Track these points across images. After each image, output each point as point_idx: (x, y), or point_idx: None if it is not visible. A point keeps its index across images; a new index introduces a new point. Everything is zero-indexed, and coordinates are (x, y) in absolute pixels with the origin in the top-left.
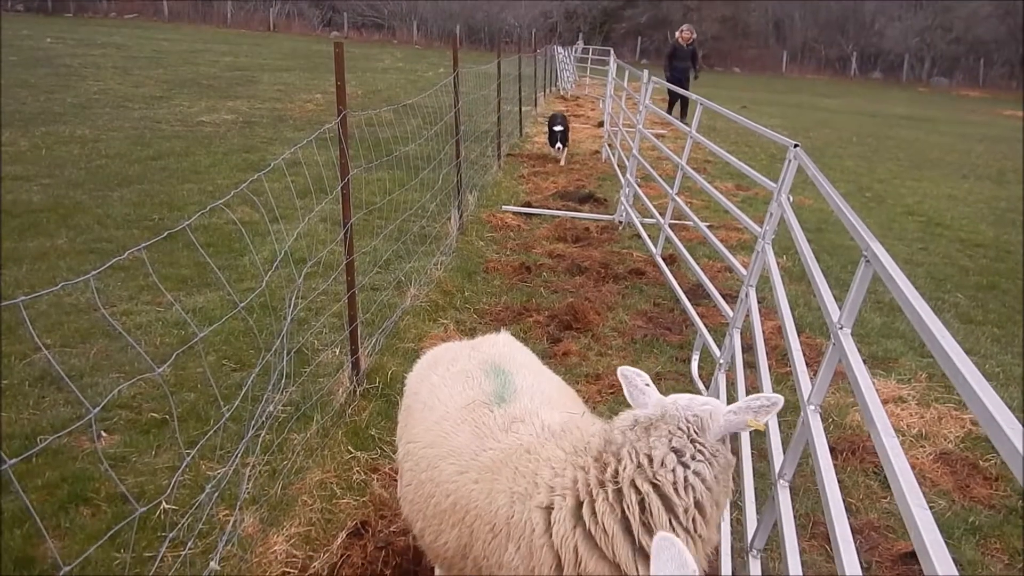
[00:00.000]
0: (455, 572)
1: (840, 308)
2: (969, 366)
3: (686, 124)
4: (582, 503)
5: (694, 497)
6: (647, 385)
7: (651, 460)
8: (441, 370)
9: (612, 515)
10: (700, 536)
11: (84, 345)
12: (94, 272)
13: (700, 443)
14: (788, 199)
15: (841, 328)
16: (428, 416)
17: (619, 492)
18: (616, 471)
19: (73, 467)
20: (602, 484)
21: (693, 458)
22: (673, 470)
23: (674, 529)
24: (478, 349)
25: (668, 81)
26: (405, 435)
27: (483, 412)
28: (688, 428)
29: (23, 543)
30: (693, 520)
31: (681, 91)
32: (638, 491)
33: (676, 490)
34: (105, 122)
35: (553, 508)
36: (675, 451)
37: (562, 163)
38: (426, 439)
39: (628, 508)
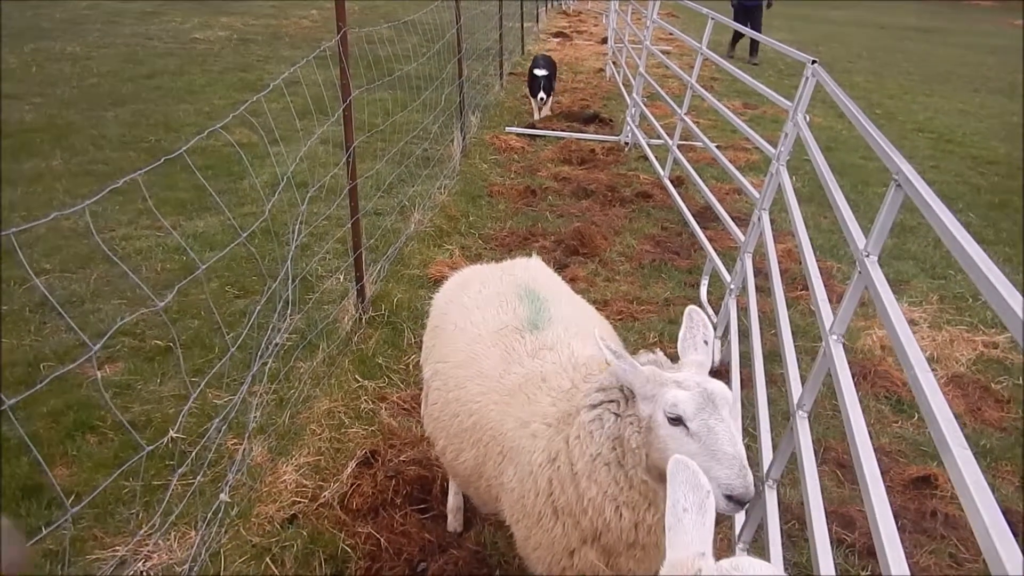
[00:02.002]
0: (470, 490)
1: (866, 234)
2: (1012, 291)
3: (754, 64)
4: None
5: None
6: (704, 343)
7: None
8: (473, 292)
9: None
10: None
11: (84, 271)
12: (90, 200)
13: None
14: (805, 119)
15: (868, 256)
16: (460, 337)
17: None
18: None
19: (78, 394)
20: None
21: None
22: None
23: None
24: (510, 272)
25: (736, 8)
26: (433, 355)
27: (515, 337)
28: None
29: (30, 470)
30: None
31: (747, 32)
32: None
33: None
34: (96, 38)
35: (538, 436)
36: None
37: (539, 116)
38: (456, 359)
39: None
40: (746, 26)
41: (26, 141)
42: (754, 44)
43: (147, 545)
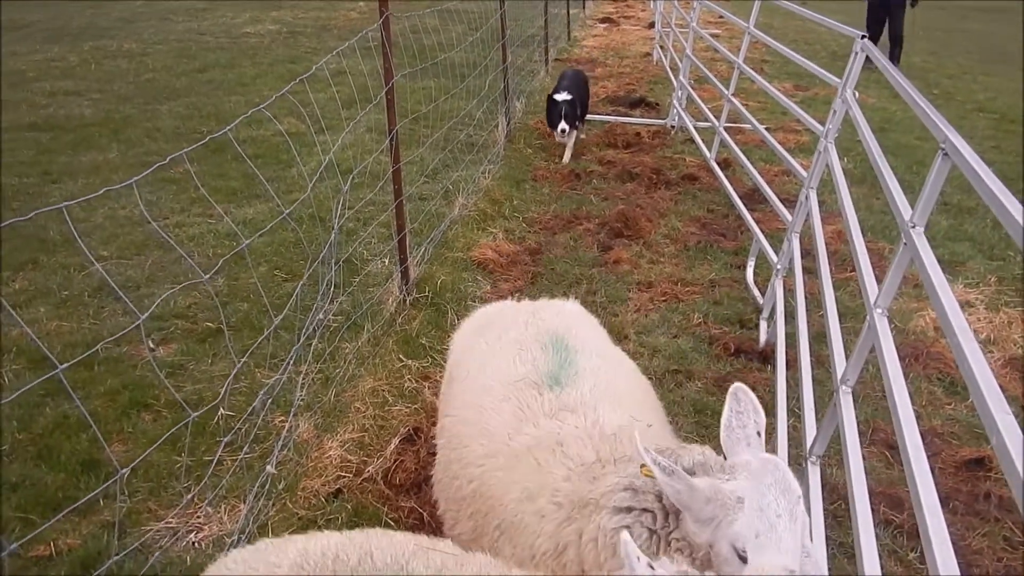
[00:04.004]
0: None
1: (912, 206)
2: None
3: (897, 69)
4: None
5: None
6: (757, 434)
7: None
8: (492, 337)
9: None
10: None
11: (139, 257)
12: (136, 177)
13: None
14: (854, 95)
15: (913, 227)
16: (470, 389)
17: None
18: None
19: (133, 375)
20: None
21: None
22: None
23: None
24: (539, 316)
25: (872, 4)
26: (444, 407)
27: (531, 392)
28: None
29: (89, 446)
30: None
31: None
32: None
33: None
34: (150, 35)
35: (546, 517)
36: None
37: (566, 158)
38: (463, 414)
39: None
40: (883, 26)
41: (85, 135)
42: (895, 48)
43: (198, 517)
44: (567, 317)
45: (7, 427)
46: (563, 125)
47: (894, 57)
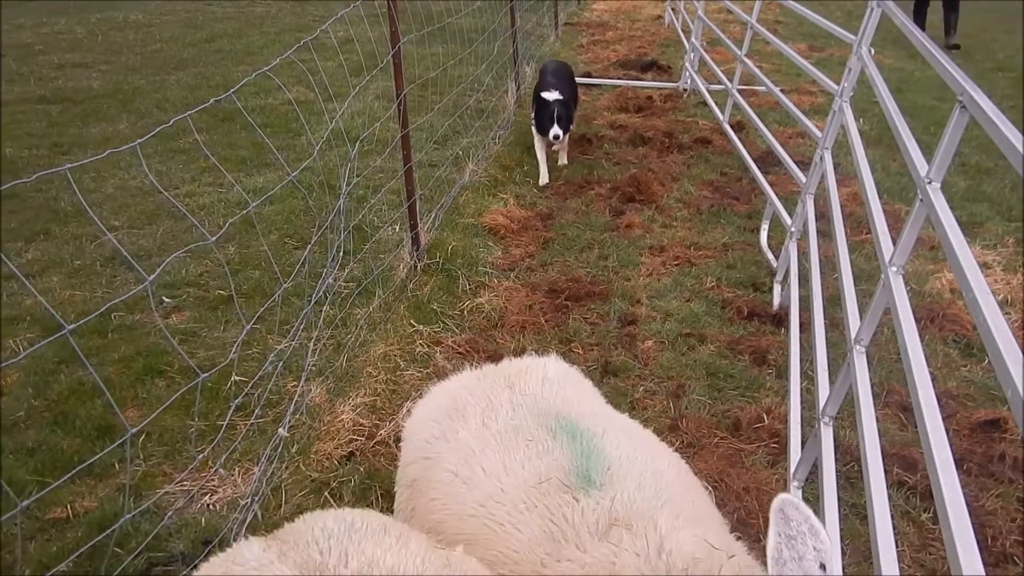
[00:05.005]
0: None
1: (928, 161)
2: None
3: (953, 47)
4: None
5: None
6: (821, 568)
7: None
8: (474, 424)
9: None
10: None
11: (151, 227)
12: (140, 140)
13: None
14: (869, 52)
15: (930, 183)
16: (468, 496)
17: None
18: None
19: (146, 342)
20: None
21: None
22: None
23: None
24: (521, 390)
25: None
26: (418, 519)
27: (562, 499)
28: None
29: (104, 412)
30: None
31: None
32: None
33: None
34: (157, 6)
35: None
36: None
37: (544, 178)
38: (465, 528)
39: None
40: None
41: (94, 107)
42: (950, 18)
43: (212, 480)
44: (557, 386)
45: (23, 394)
46: (556, 130)
47: (950, 29)
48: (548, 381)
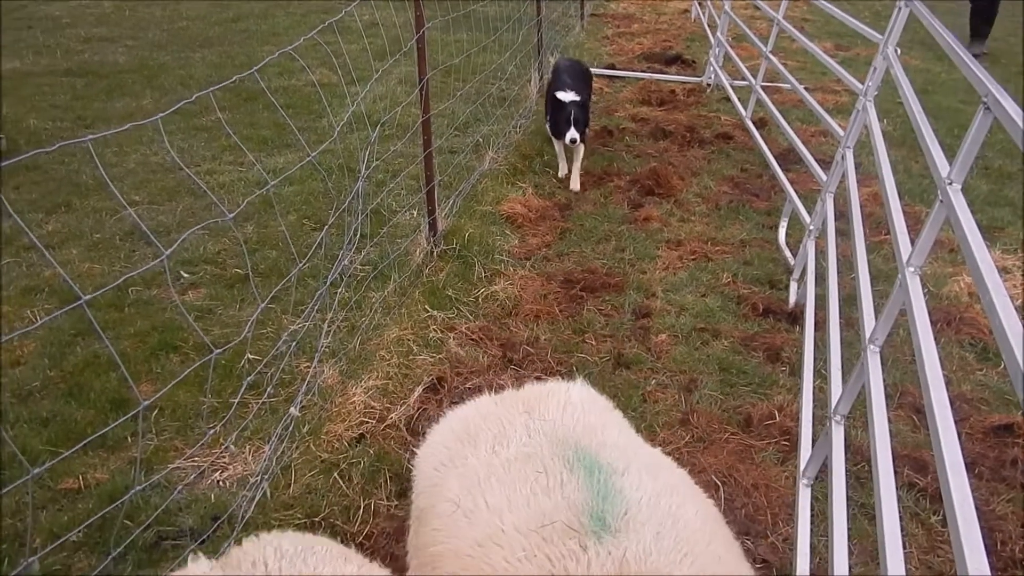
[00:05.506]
0: None
1: (950, 162)
2: None
3: (981, 54)
4: None
5: None
6: None
7: None
8: (484, 450)
9: None
10: None
11: (171, 203)
12: (162, 114)
13: None
14: (896, 52)
15: (951, 184)
16: (467, 532)
17: None
18: None
19: (162, 317)
20: None
21: None
22: None
23: None
24: (540, 414)
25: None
26: (419, 553)
27: (568, 547)
28: None
29: (118, 385)
30: None
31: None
32: None
33: None
34: None
35: None
36: None
37: (571, 181)
38: (461, 567)
39: None
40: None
41: (119, 82)
42: (977, 25)
43: (223, 457)
44: (580, 412)
45: (39, 364)
46: (573, 134)
47: (978, 32)
48: (570, 406)
